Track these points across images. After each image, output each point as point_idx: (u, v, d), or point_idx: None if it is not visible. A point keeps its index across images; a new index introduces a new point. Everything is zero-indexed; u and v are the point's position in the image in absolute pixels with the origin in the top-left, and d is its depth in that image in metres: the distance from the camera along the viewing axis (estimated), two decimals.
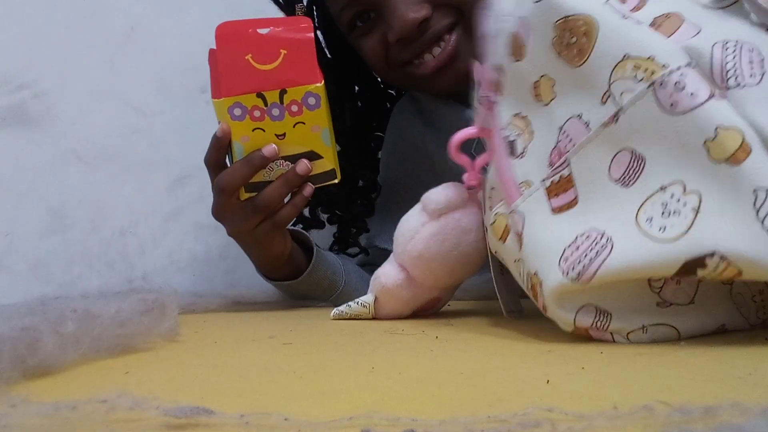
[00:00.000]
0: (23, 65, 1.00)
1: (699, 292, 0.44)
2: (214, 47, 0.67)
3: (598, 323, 0.44)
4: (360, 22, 0.79)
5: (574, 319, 0.44)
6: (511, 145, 0.50)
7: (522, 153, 0.49)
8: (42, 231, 0.99)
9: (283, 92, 0.64)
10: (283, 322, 0.64)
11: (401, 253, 0.60)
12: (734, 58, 0.40)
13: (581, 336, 0.45)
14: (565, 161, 0.45)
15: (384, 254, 0.90)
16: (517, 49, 0.48)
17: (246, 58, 0.64)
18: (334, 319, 0.63)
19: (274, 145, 0.67)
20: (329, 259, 0.84)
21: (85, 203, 1.01)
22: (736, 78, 0.39)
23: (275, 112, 0.65)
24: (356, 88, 0.95)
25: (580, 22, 0.43)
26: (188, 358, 0.45)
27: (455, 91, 0.79)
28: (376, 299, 0.62)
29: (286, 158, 0.68)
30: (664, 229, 0.40)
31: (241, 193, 0.70)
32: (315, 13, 0.87)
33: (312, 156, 0.68)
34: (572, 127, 0.45)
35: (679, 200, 0.40)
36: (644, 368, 0.37)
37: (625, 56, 0.42)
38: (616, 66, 0.42)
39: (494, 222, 0.52)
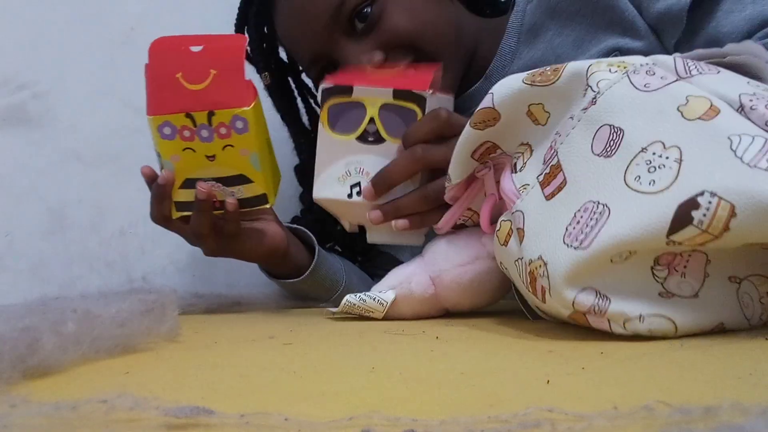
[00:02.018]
0: (23, 65, 1.00)
1: (705, 287, 0.44)
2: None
3: (597, 307, 0.44)
4: (328, 74, 0.79)
5: (574, 300, 0.44)
6: (514, 165, 0.54)
7: (522, 167, 0.53)
8: (42, 231, 0.99)
9: (211, 114, 0.63)
10: (283, 322, 0.64)
11: (444, 269, 0.60)
12: (693, 62, 0.47)
13: (579, 324, 0.45)
14: (554, 152, 0.49)
15: (383, 257, 0.90)
16: (491, 120, 0.53)
17: (176, 76, 0.63)
18: (342, 311, 0.62)
19: (166, 172, 0.66)
20: (331, 259, 0.84)
21: (85, 203, 1.01)
22: (698, 69, 0.45)
23: (204, 133, 0.64)
24: None
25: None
26: (188, 358, 0.45)
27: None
28: (395, 300, 0.61)
29: (217, 180, 0.67)
30: (653, 182, 0.42)
31: (173, 213, 0.69)
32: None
33: (242, 179, 0.67)
34: (563, 125, 0.49)
35: (661, 156, 0.43)
36: (644, 368, 0.37)
37: (598, 61, 0.48)
38: (591, 65, 0.48)
39: (499, 228, 0.54)
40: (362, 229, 0.69)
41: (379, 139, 0.64)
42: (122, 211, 1.02)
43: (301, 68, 0.89)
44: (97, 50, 1.02)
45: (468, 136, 0.55)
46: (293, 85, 0.90)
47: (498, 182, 0.56)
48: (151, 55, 0.64)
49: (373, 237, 0.66)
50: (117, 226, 1.02)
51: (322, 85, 0.66)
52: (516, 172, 0.53)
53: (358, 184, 0.64)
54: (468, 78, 0.82)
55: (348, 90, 0.64)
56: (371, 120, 0.64)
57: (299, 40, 0.79)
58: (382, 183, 0.64)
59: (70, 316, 0.43)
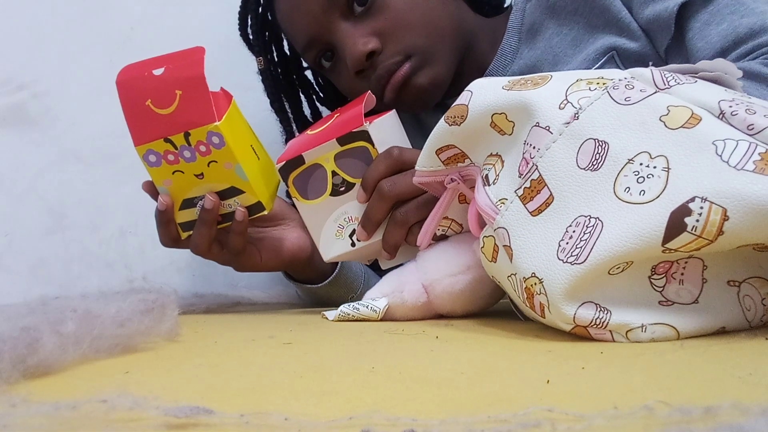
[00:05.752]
0: (23, 65, 1.00)
1: (704, 292, 0.44)
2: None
3: (598, 320, 0.44)
4: (324, 60, 0.81)
5: (574, 315, 0.44)
6: (486, 178, 0.53)
7: (495, 180, 0.52)
8: (42, 231, 0.99)
9: (187, 134, 0.64)
10: (283, 322, 0.64)
11: (435, 279, 0.61)
12: (671, 73, 0.47)
13: (581, 336, 0.45)
14: (532, 166, 0.48)
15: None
16: (459, 117, 0.53)
17: (146, 103, 0.64)
18: (337, 319, 0.62)
19: (164, 198, 0.67)
20: (354, 268, 0.84)
21: (85, 203, 1.01)
22: (675, 80, 0.46)
23: (186, 154, 0.65)
24: None
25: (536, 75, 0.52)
26: (188, 358, 0.45)
27: (424, 106, 0.81)
28: (388, 307, 0.62)
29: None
30: (644, 192, 0.42)
31: (181, 234, 0.71)
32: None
33: (235, 191, 0.68)
34: (534, 135, 0.48)
35: (648, 165, 0.43)
36: (644, 368, 0.37)
37: (578, 80, 0.48)
38: (571, 85, 0.48)
39: (483, 246, 0.53)
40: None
41: (349, 186, 0.67)
42: (122, 211, 1.02)
43: (303, 62, 0.89)
44: (97, 50, 1.02)
45: (439, 129, 0.55)
46: (296, 79, 0.90)
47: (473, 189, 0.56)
48: (118, 87, 0.65)
49: (386, 264, 0.70)
50: (117, 226, 1.02)
51: (277, 167, 0.69)
52: (489, 184, 0.52)
53: (354, 230, 0.68)
54: (467, 76, 0.82)
55: (300, 159, 0.67)
56: (333, 173, 0.67)
57: (297, 22, 0.79)
58: (368, 224, 0.66)
59: (70, 316, 0.43)
